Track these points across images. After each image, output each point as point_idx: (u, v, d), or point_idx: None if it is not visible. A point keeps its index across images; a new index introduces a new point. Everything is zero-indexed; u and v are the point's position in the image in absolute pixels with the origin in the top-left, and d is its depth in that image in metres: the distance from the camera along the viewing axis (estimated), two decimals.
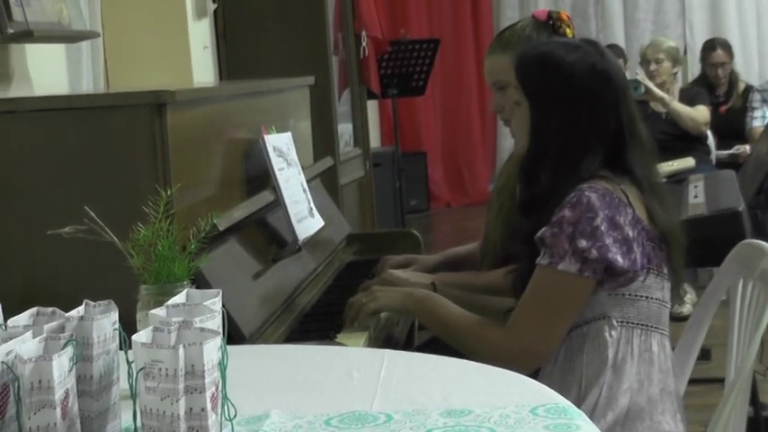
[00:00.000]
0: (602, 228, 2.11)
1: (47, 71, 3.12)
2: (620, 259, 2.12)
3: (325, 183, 3.60)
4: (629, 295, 2.18)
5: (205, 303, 1.44)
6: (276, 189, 2.71)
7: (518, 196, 2.40)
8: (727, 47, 6.91)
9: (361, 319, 2.52)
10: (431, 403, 1.57)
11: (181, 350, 1.21)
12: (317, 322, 2.61)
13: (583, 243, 2.11)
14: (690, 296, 5.56)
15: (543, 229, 2.16)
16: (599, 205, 2.12)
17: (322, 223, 2.93)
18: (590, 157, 2.20)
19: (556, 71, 2.22)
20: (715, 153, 6.39)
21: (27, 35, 2.65)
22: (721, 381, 3.96)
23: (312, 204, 2.91)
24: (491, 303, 2.57)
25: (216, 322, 1.38)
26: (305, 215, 2.82)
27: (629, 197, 2.17)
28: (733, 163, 6.07)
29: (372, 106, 8.16)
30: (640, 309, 2.19)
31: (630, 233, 2.14)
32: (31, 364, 1.20)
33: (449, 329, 2.37)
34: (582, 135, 2.20)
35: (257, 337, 2.31)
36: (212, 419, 1.25)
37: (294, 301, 2.68)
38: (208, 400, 1.23)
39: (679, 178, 5.30)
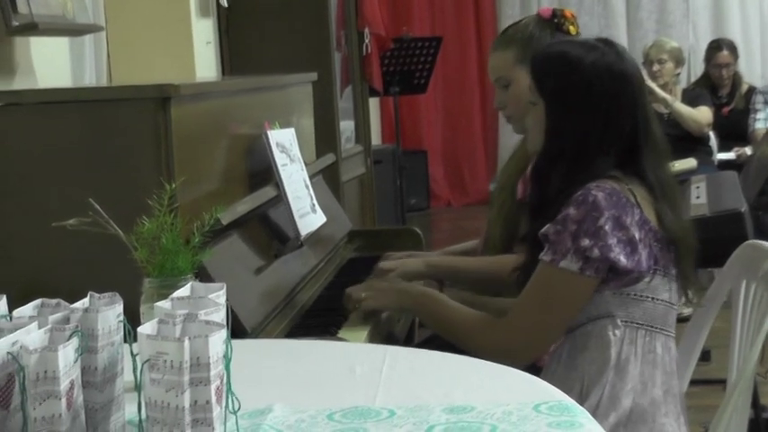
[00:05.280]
0: (606, 227, 2.11)
1: (50, 64, 3.11)
2: (622, 259, 2.11)
3: (327, 179, 3.59)
4: (635, 295, 2.18)
5: (210, 296, 1.44)
6: (279, 184, 2.71)
7: (528, 197, 2.39)
8: (732, 48, 6.91)
9: (358, 315, 2.52)
10: (433, 399, 1.57)
11: (186, 342, 1.21)
12: (319, 318, 2.60)
13: (585, 242, 2.11)
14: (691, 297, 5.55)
15: (547, 225, 2.16)
16: (605, 205, 2.11)
17: (324, 219, 2.93)
18: (602, 158, 2.19)
19: (574, 72, 2.20)
20: (717, 154, 6.39)
21: (32, 28, 2.65)
22: (721, 382, 3.96)
23: (314, 200, 2.91)
24: (492, 304, 2.58)
25: (220, 315, 1.38)
26: (307, 211, 2.82)
27: (636, 198, 2.16)
28: (735, 164, 6.06)
29: (373, 104, 8.15)
30: (646, 309, 2.19)
31: (637, 234, 2.13)
32: (36, 354, 1.20)
33: (445, 324, 2.38)
34: (598, 137, 2.19)
35: (259, 332, 2.31)
36: (217, 412, 1.25)
37: (295, 296, 2.68)
38: (213, 392, 1.23)
39: (681, 179, 5.29)
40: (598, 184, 2.14)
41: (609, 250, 2.10)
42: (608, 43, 2.28)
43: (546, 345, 2.27)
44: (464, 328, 2.31)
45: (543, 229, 2.17)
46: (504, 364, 1.81)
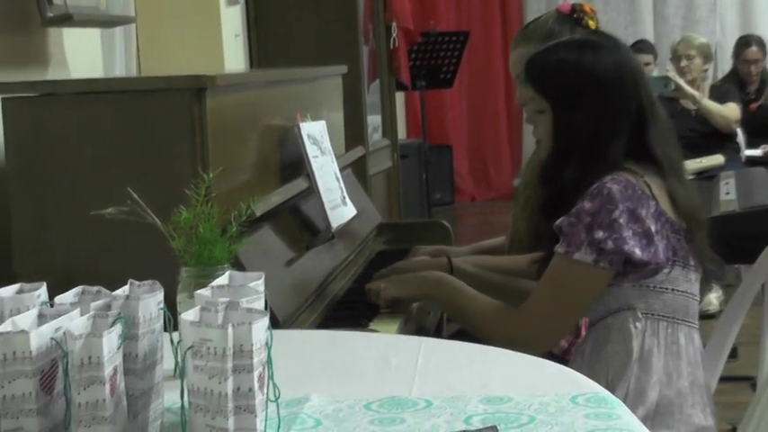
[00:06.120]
0: (621, 220, 2.12)
1: (82, 56, 3.13)
2: (637, 252, 2.12)
3: (354, 173, 3.60)
4: (654, 287, 2.19)
5: (250, 285, 1.45)
6: (310, 176, 2.72)
7: (539, 198, 2.41)
8: (761, 44, 6.88)
9: (381, 304, 2.54)
10: (470, 390, 1.57)
11: (230, 329, 1.22)
12: (349, 310, 2.61)
13: (600, 234, 2.13)
14: (716, 293, 5.54)
15: (562, 218, 2.19)
16: (619, 197, 2.13)
17: (354, 212, 2.93)
18: (616, 140, 2.22)
19: (576, 74, 2.24)
20: (745, 151, 6.36)
21: (66, 19, 2.66)
22: (749, 379, 3.97)
23: (345, 193, 2.92)
24: (515, 283, 2.58)
25: (261, 303, 1.39)
26: (338, 203, 2.83)
27: (652, 189, 2.18)
28: (762, 161, 6.04)
29: (398, 98, 8.16)
30: (666, 301, 2.20)
31: (652, 226, 2.14)
32: (81, 340, 1.20)
33: (461, 311, 2.41)
34: (610, 121, 2.22)
35: (291, 323, 2.32)
36: (259, 399, 1.25)
37: (326, 288, 2.69)
38: (255, 379, 1.24)
39: (708, 175, 5.28)
40: (613, 176, 2.16)
41: (623, 243, 2.12)
42: (595, 34, 2.38)
43: (559, 335, 2.32)
44: (479, 316, 2.34)
45: (557, 222, 2.19)
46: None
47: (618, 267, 2.15)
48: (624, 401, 2.12)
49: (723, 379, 2.79)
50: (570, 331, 2.59)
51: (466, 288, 2.41)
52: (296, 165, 2.76)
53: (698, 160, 5.70)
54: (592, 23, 2.74)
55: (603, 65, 2.24)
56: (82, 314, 1.31)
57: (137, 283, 1.43)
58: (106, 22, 3.13)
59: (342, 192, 2.89)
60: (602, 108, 2.22)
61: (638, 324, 2.19)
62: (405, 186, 5.87)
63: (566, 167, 2.24)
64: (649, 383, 2.17)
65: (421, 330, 2.67)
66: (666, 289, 2.19)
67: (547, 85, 2.28)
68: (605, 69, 2.23)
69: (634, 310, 2.20)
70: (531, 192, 2.85)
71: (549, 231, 2.25)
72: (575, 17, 2.74)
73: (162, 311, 1.39)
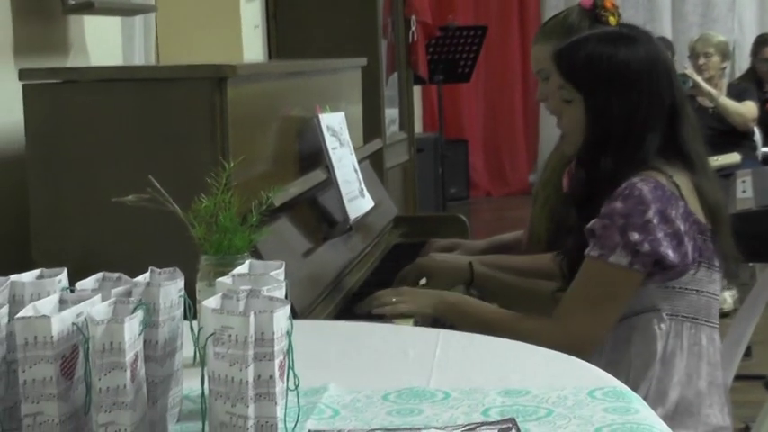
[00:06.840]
0: (654, 221, 2.11)
1: (103, 43, 3.13)
2: (670, 253, 2.11)
3: (372, 165, 3.60)
4: (679, 288, 2.18)
5: (270, 274, 1.45)
6: (329, 167, 2.72)
7: (570, 188, 2.39)
8: None
9: (389, 315, 2.50)
10: (488, 383, 1.57)
11: (251, 317, 1.22)
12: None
13: (635, 236, 2.10)
14: (731, 292, 5.53)
15: (593, 221, 2.16)
16: (651, 198, 2.11)
17: (372, 204, 2.93)
18: (652, 134, 2.20)
19: (610, 66, 2.22)
20: (761, 149, 6.35)
21: (88, 6, 2.67)
22: (761, 378, 3.96)
23: (363, 185, 2.92)
24: (537, 286, 2.57)
25: (282, 292, 1.39)
26: (356, 195, 2.83)
27: (681, 189, 2.16)
28: None
29: (415, 92, 8.15)
30: (690, 302, 2.19)
31: (682, 227, 2.13)
32: (102, 325, 1.21)
33: (485, 329, 2.36)
34: (644, 113, 2.21)
35: (307, 314, 2.32)
36: (280, 387, 1.25)
37: (342, 280, 2.69)
38: (276, 367, 1.24)
39: (725, 173, 5.27)
40: (642, 177, 2.15)
41: (658, 244, 2.10)
42: (627, 27, 2.34)
43: (598, 341, 2.24)
44: (505, 331, 2.28)
45: (589, 225, 2.17)
46: None
47: (649, 269, 2.14)
48: (645, 401, 2.13)
49: (737, 377, 2.79)
50: None
51: (483, 306, 2.38)
52: (315, 156, 2.76)
53: (714, 158, 5.68)
54: (612, 20, 2.73)
55: (637, 56, 2.22)
56: (103, 300, 1.31)
57: (157, 270, 1.43)
58: (127, 10, 3.13)
59: (360, 184, 2.89)
60: (635, 100, 2.20)
61: (662, 326, 2.18)
62: (420, 180, 5.86)
63: (601, 157, 2.22)
64: (670, 384, 2.16)
65: (436, 323, 2.66)
66: (692, 290, 2.19)
67: (580, 75, 2.26)
68: (639, 61, 2.22)
69: (659, 311, 2.18)
70: (551, 191, 2.84)
71: (580, 222, 2.23)
72: (596, 13, 2.73)
73: (182, 299, 1.40)
